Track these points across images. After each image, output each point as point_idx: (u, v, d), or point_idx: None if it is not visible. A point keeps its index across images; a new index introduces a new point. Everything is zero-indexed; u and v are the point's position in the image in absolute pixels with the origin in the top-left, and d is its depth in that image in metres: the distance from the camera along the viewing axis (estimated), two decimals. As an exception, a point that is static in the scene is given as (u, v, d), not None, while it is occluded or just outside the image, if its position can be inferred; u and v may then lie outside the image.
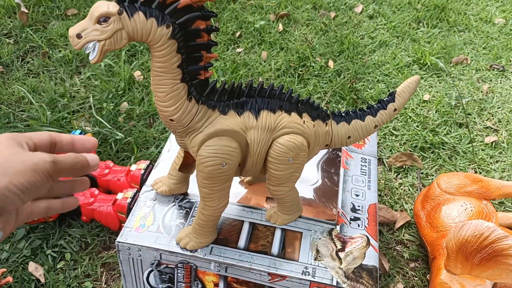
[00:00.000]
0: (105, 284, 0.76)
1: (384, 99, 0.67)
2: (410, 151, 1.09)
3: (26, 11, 1.36)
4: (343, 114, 0.66)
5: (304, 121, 0.61)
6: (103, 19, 0.45)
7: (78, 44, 0.46)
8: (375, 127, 0.67)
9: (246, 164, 0.61)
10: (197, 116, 0.56)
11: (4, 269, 0.74)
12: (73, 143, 0.50)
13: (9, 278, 0.73)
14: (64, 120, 1.02)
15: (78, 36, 0.46)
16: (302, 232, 0.68)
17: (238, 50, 1.36)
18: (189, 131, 0.57)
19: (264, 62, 1.32)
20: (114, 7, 0.45)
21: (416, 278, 0.83)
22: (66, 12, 1.41)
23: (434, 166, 1.06)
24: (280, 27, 1.47)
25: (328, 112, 0.65)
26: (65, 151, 0.51)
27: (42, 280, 0.74)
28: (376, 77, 1.30)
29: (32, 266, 0.76)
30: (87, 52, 0.47)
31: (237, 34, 1.42)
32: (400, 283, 0.81)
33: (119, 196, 0.80)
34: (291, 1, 1.62)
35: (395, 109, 0.67)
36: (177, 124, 0.56)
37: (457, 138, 1.13)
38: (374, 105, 0.67)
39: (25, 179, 0.40)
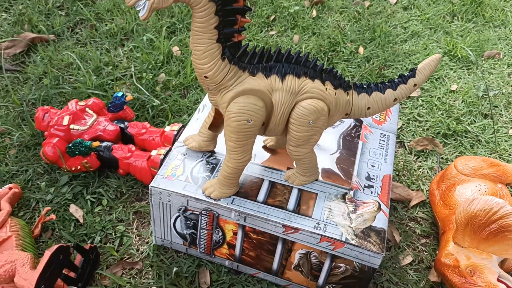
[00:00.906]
0: (135, 229, 0.84)
1: (405, 74, 0.71)
2: (432, 136, 1.11)
3: (78, -14, 1.46)
4: (364, 86, 0.71)
5: (326, 88, 0.66)
6: (154, -21, 0.52)
7: (131, 2, 0.53)
8: (394, 100, 0.72)
9: (269, 123, 0.67)
10: (228, 75, 0.62)
11: (49, 208, 0.83)
12: None
13: (53, 216, 0.82)
14: (108, 86, 1.11)
15: (131, -7, 0.52)
16: (317, 193, 0.73)
17: (272, 32, 1.41)
18: (220, 88, 0.63)
19: (296, 45, 1.37)
20: (163, -30, 0.52)
21: (426, 253, 0.87)
22: (114, -11, 1.50)
23: (454, 152, 1.08)
24: (314, 13, 1.51)
25: (350, 83, 0.70)
26: None
27: (81, 220, 0.83)
28: (405, 66, 1.33)
29: (73, 208, 0.85)
30: (138, 9, 0.54)
31: (272, 17, 1.48)
32: (410, 256, 0.85)
33: (153, 153, 0.87)
34: (327, -11, 1.65)
35: (415, 85, 0.71)
36: (210, 81, 0.62)
37: (480, 127, 1.15)
38: (395, 80, 0.71)
39: None
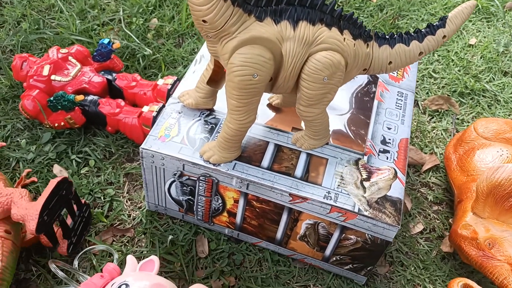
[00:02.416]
0: (126, 193, 0.77)
1: (434, 24, 0.61)
2: (448, 95, 1.03)
3: None
4: (387, 37, 0.61)
5: (344, 38, 0.57)
6: None
7: None
8: (420, 54, 0.63)
9: (278, 78, 0.58)
10: (231, 19, 0.52)
11: (29, 169, 0.75)
12: None
13: (34, 179, 0.74)
14: (94, 32, 1.00)
15: None
16: (327, 159, 0.66)
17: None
18: (221, 36, 0.54)
19: (302, -10, 1.24)
20: None
21: (438, 221, 0.81)
22: None
23: (471, 113, 1.00)
24: (323, -46, 1.37)
25: (371, 32, 0.61)
26: None
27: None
28: (421, 16, 1.22)
29: (56, 169, 0.77)
30: None
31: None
32: (421, 224, 0.80)
33: (145, 109, 0.79)
34: None
35: (444, 36, 0.62)
36: (210, 27, 0.52)
37: (500, 86, 1.06)
38: (422, 30, 0.62)
39: None
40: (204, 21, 0.52)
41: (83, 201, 0.69)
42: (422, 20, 1.21)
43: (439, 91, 1.04)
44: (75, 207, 0.67)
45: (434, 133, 0.96)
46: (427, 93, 1.03)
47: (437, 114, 0.99)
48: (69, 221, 0.67)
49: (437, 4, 1.26)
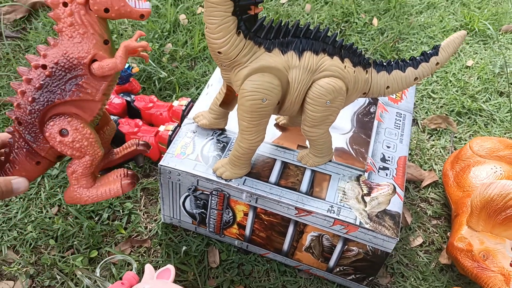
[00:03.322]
0: (143, 207, 0.82)
1: (428, 52, 0.67)
2: (446, 114, 1.08)
3: None
4: (384, 64, 0.67)
5: (345, 66, 0.63)
6: None
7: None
8: (415, 79, 0.68)
9: (285, 102, 0.64)
10: (243, 51, 0.58)
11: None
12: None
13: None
14: (112, 55, 1.07)
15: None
16: (331, 175, 0.71)
17: (282, 1, 1.35)
18: (234, 65, 0.60)
19: (307, 15, 1.31)
20: None
21: (437, 235, 0.86)
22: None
23: (468, 131, 1.05)
24: (327, -19, 1.44)
25: (369, 60, 0.66)
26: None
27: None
28: (420, 39, 1.28)
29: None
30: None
31: (282, -15, 1.41)
32: (420, 237, 0.84)
33: (161, 128, 0.85)
34: (340, -45, 1.57)
35: (437, 63, 0.68)
36: (224, 57, 0.59)
37: (496, 106, 1.11)
38: (417, 57, 0.68)
39: None
40: (219, 52, 0.58)
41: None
42: (422, 43, 1.27)
43: (437, 111, 1.09)
44: None
45: (433, 150, 1.01)
46: (426, 112, 1.09)
47: (436, 132, 1.04)
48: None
49: (436, 28, 1.32)
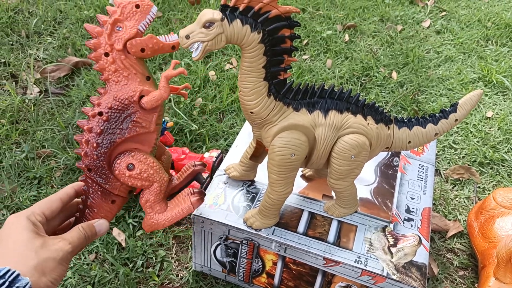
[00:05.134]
0: (175, 254, 0.86)
1: (446, 109, 0.72)
2: (468, 165, 1.10)
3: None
4: (405, 120, 0.72)
5: (368, 123, 0.68)
6: (208, 24, 0.55)
7: (186, 44, 0.56)
8: (435, 135, 0.72)
9: (312, 156, 0.68)
10: (273, 111, 0.64)
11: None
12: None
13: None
14: (147, 110, 1.15)
15: (187, 37, 0.55)
16: (357, 226, 0.74)
17: (305, 57, 1.44)
18: (265, 124, 0.65)
19: (329, 69, 1.39)
20: (218, 15, 0.55)
21: (464, 286, 0.86)
22: (152, 14, 1.56)
23: (492, 181, 1.07)
24: (347, 37, 1.53)
25: (391, 117, 0.71)
26: (74, 206, 0.63)
27: (123, 244, 0.86)
28: (439, 91, 1.32)
29: (115, 232, 0.88)
30: (191, 50, 0.57)
31: (305, 42, 1.50)
32: (448, 288, 0.85)
33: (206, 155, 0.91)
34: (359, 13, 1.67)
35: (456, 120, 0.72)
36: (256, 117, 0.64)
37: (518, 156, 1.13)
38: (436, 114, 0.72)
39: (57, 274, 0.50)
40: (252, 112, 0.64)
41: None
42: (441, 95, 1.32)
43: (459, 161, 1.12)
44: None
45: (457, 200, 1.02)
46: (449, 162, 1.11)
47: (459, 182, 1.06)
48: None
49: (454, 80, 1.37)
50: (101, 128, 0.59)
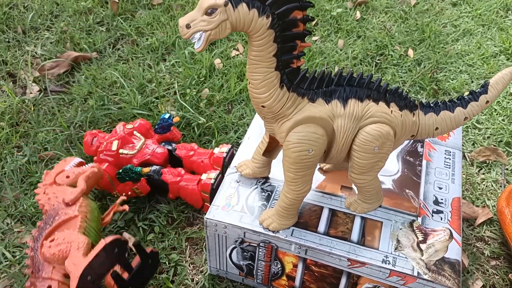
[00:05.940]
0: (188, 257, 0.81)
1: (476, 91, 0.65)
2: (494, 145, 1.03)
3: (117, 0, 1.46)
4: (431, 105, 0.65)
5: (391, 111, 0.61)
6: (211, 10, 0.49)
7: (187, 34, 0.50)
8: (464, 119, 0.66)
9: (331, 151, 0.62)
10: (287, 104, 0.58)
11: (124, 197, 0.80)
12: None
13: (126, 207, 0.79)
14: (152, 104, 1.10)
15: (187, 26, 0.49)
16: (382, 222, 0.68)
17: (314, 38, 1.36)
18: (278, 118, 0.59)
19: (341, 50, 1.31)
20: (221, 0, 0.49)
21: (497, 277, 0.80)
22: (152, 1, 1.49)
23: (521, 162, 1.00)
24: (358, 14, 1.44)
25: (416, 102, 0.65)
26: None
27: (134, 249, 0.82)
28: (459, 67, 1.25)
29: (126, 236, 0.83)
30: (193, 41, 0.51)
31: (313, 22, 1.42)
32: (480, 280, 0.79)
33: (203, 176, 0.85)
34: (369, -12, 1.58)
35: (487, 101, 0.65)
36: (268, 111, 0.58)
37: (548, 134, 1.06)
38: (465, 96, 0.65)
39: None
40: (263, 106, 0.58)
41: (149, 249, 0.71)
42: (461, 72, 1.24)
43: (484, 142, 1.05)
44: (136, 258, 0.70)
45: (484, 185, 0.96)
46: (473, 144, 1.05)
47: (485, 165, 0.99)
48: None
49: (474, 55, 1.29)
50: None
